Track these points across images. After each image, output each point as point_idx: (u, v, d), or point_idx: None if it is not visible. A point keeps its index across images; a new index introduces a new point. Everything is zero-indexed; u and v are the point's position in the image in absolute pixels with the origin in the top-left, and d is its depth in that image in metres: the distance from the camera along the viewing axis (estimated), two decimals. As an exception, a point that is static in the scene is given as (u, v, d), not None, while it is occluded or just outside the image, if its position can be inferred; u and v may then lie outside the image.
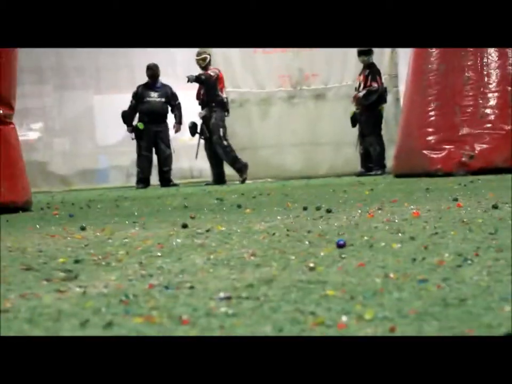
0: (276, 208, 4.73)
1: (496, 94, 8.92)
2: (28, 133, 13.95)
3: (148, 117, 11.48)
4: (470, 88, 8.95)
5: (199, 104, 11.47)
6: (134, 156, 11.93)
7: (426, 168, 8.97)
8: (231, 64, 12.62)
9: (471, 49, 8.87)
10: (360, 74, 11.78)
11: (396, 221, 3.37)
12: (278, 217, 3.92)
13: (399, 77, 12.61)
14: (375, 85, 11.50)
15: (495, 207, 3.73)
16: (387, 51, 12.71)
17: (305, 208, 4.43)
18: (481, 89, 8.92)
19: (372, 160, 11.63)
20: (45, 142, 14.25)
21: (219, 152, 11.26)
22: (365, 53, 11.69)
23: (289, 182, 10.65)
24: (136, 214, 4.99)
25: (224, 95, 11.43)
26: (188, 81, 11.18)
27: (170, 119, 11.77)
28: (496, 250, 2.27)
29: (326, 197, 5.80)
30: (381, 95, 11.60)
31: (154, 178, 11.74)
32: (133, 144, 11.80)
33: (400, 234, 2.82)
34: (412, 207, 4.18)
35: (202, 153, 11.56)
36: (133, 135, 11.64)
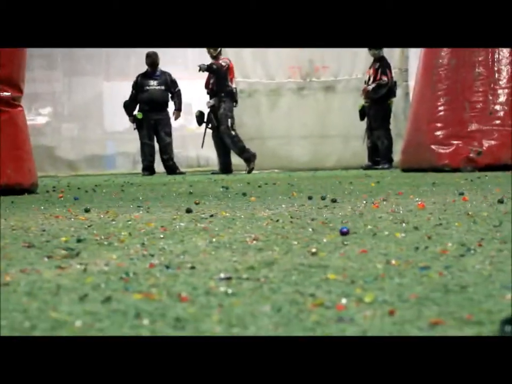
0: (281, 197, 4.73)
1: (506, 91, 8.87)
2: (36, 117, 13.96)
3: (148, 105, 11.43)
4: (480, 84, 8.91)
5: (208, 93, 11.45)
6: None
7: (434, 163, 8.94)
8: (241, 54, 12.59)
9: (483, 45, 8.83)
10: (370, 68, 11.73)
11: (401, 212, 3.36)
12: (283, 206, 3.91)
13: (409, 71, 12.56)
14: (384, 78, 11.46)
15: (500, 201, 3.72)
16: (398, 45, 12.67)
17: (310, 198, 4.43)
18: (491, 86, 8.88)
19: (379, 154, 11.60)
20: (53, 127, 14.26)
21: (227, 142, 11.24)
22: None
23: (296, 173, 10.63)
24: (141, 198, 4.99)
25: (233, 86, 11.41)
26: (200, 70, 11.16)
27: (172, 107, 11.72)
28: (500, 242, 2.26)
29: (332, 188, 5.79)
30: (391, 89, 11.55)
31: (161, 166, 11.72)
32: (140, 131, 11.78)
33: (404, 224, 2.80)
34: (417, 199, 4.16)
35: (210, 143, 11.54)
36: (134, 125, 11.64)
